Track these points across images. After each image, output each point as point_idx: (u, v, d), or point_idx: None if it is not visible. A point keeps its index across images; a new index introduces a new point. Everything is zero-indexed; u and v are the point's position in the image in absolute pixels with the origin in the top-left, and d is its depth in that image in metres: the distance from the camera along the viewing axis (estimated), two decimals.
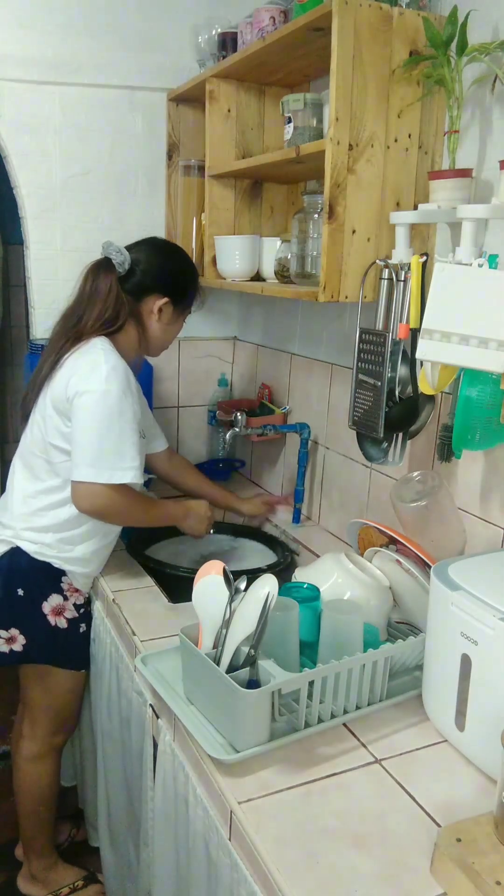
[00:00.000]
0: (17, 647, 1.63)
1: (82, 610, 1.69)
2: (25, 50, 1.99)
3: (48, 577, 1.63)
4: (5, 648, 1.63)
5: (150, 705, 1.35)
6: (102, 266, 1.59)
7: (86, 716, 1.85)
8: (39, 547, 1.60)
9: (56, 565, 1.62)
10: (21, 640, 1.63)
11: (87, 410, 1.49)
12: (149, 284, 1.62)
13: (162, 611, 1.55)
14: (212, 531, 1.88)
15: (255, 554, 1.98)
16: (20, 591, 1.61)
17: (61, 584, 1.64)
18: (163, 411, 2.42)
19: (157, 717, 1.31)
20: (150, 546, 1.94)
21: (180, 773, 1.20)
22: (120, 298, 1.59)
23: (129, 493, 1.55)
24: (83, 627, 1.69)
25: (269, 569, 1.79)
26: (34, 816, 1.82)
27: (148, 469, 2.37)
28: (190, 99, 2.13)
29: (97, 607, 1.70)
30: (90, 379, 1.49)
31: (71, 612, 1.66)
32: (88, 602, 1.71)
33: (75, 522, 1.60)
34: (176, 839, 1.24)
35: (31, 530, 1.60)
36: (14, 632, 1.62)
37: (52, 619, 1.64)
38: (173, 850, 1.26)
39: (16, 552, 1.61)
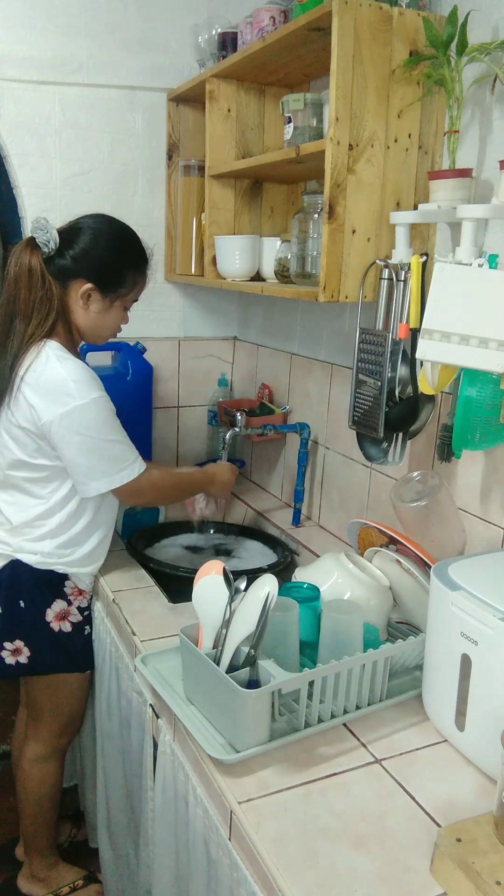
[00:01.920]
0: (23, 658, 1.62)
1: (86, 612, 1.68)
2: (25, 50, 1.99)
3: (51, 585, 1.62)
4: (11, 661, 1.61)
5: (150, 705, 1.35)
6: (27, 245, 1.50)
7: (87, 715, 1.85)
8: (40, 556, 1.59)
9: (59, 571, 1.61)
10: (26, 651, 1.61)
11: (73, 432, 1.45)
12: (71, 267, 1.50)
13: (162, 611, 1.55)
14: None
15: (255, 554, 1.98)
16: (21, 603, 1.60)
17: (64, 589, 1.63)
18: (163, 411, 2.42)
19: (157, 717, 1.31)
20: (151, 546, 1.94)
21: (180, 773, 1.20)
22: (46, 280, 1.48)
23: (152, 476, 1.57)
24: (87, 629, 1.69)
25: (270, 569, 1.79)
26: (37, 817, 1.82)
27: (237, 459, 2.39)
28: (190, 99, 2.13)
29: (97, 607, 1.69)
30: (62, 400, 1.44)
31: (75, 616, 1.65)
32: (91, 603, 1.71)
33: (70, 524, 1.59)
34: (176, 839, 1.24)
35: (29, 541, 1.58)
36: (19, 643, 1.61)
37: (56, 625, 1.63)
38: (173, 850, 1.26)
39: (16, 565, 1.59)
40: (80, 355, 1.58)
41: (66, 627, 1.64)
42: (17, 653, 1.62)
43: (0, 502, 1.61)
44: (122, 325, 1.64)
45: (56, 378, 1.45)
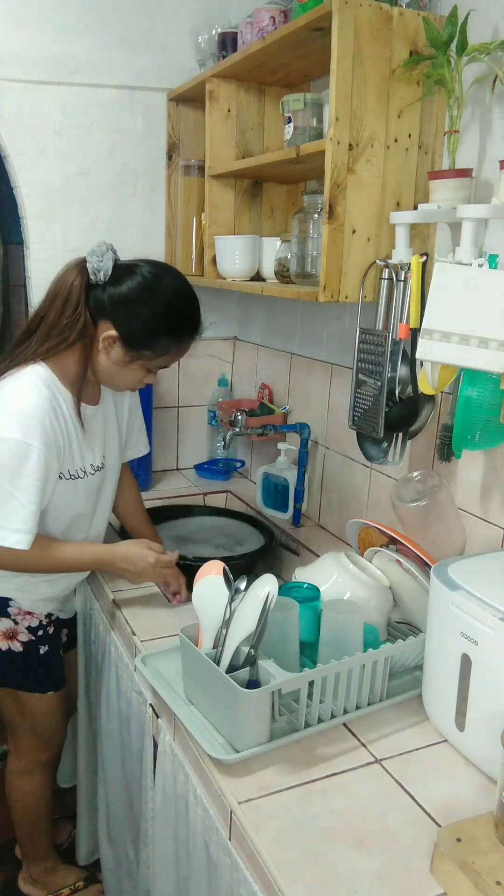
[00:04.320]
0: None
1: (40, 632, 1.61)
2: (25, 50, 1.99)
3: None
4: None
5: (150, 705, 1.35)
6: (78, 264, 1.40)
7: (84, 718, 1.85)
8: None
9: None
10: None
11: None
12: (106, 306, 1.38)
13: (162, 611, 1.55)
14: (171, 574, 1.57)
15: (244, 535, 1.99)
16: None
17: (8, 609, 1.56)
18: (163, 411, 2.42)
19: (157, 717, 1.31)
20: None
21: (180, 773, 1.20)
22: (79, 306, 1.38)
23: (26, 556, 1.38)
24: (43, 649, 1.62)
25: (258, 553, 1.81)
26: (28, 826, 1.82)
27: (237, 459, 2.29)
28: (190, 99, 2.13)
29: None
30: None
31: (25, 636, 1.59)
32: (53, 622, 1.65)
33: None
34: (176, 839, 1.24)
35: None
36: None
37: (3, 644, 1.57)
38: (173, 850, 1.26)
39: None
40: (79, 390, 1.44)
41: (16, 647, 1.59)
42: None
43: None
44: (146, 383, 1.51)
45: (9, 397, 1.36)
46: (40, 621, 1.61)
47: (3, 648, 1.58)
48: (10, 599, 1.56)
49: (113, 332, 1.39)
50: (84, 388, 1.46)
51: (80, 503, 1.53)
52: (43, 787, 1.79)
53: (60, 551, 1.47)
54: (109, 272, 1.37)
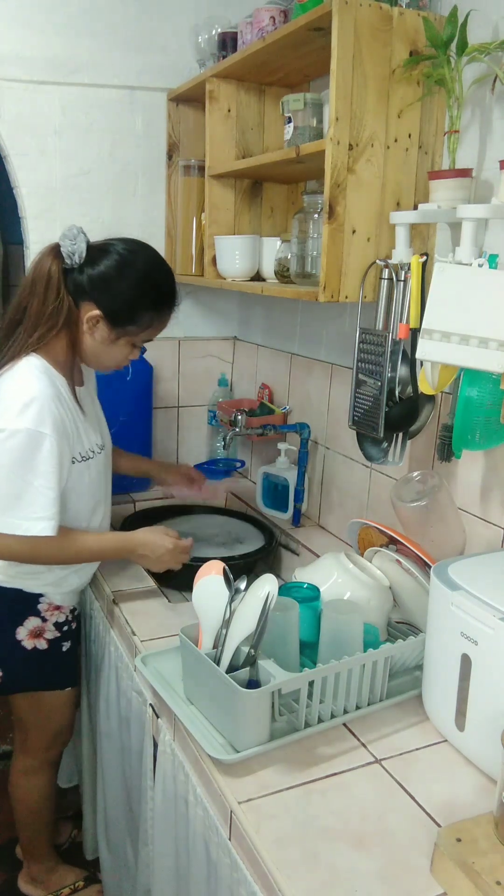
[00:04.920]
0: None
1: (65, 628, 1.61)
2: (25, 50, 1.99)
3: (22, 602, 1.55)
4: None
5: (150, 705, 1.35)
6: (51, 251, 1.41)
7: (85, 717, 1.85)
8: (5, 577, 1.52)
9: (28, 590, 1.54)
10: None
11: None
12: (86, 288, 1.40)
13: (162, 611, 1.55)
14: (187, 560, 1.61)
15: (244, 535, 2.00)
16: None
17: (38, 606, 1.56)
18: (163, 411, 2.42)
19: (157, 717, 1.31)
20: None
21: (180, 773, 1.20)
22: (60, 291, 1.39)
23: (47, 540, 1.39)
24: (66, 646, 1.63)
25: (258, 553, 1.81)
26: (32, 825, 1.82)
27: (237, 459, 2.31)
28: (190, 99, 2.13)
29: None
30: (3, 415, 1.34)
31: (52, 633, 1.59)
32: (75, 617, 1.65)
33: None
34: (176, 839, 1.24)
35: None
36: None
37: (29, 644, 1.57)
38: (173, 849, 1.26)
39: None
40: (71, 374, 1.48)
41: (42, 645, 1.58)
42: None
43: None
44: (132, 359, 1.54)
45: (15, 390, 1.37)
46: (66, 616, 1.62)
47: (29, 647, 1.57)
48: (41, 595, 1.57)
49: (96, 312, 1.41)
50: (73, 371, 1.50)
51: (95, 485, 1.56)
52: (47, 785, 1.80)
53: (83, 540, 1.50)
54: (84, 254, 1.39)
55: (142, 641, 1.42)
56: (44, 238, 2.13)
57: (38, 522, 1.36)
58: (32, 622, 1.57)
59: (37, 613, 1.57)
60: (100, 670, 1.66)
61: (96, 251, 1.42)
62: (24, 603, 1.56)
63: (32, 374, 1.39)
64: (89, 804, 1.90)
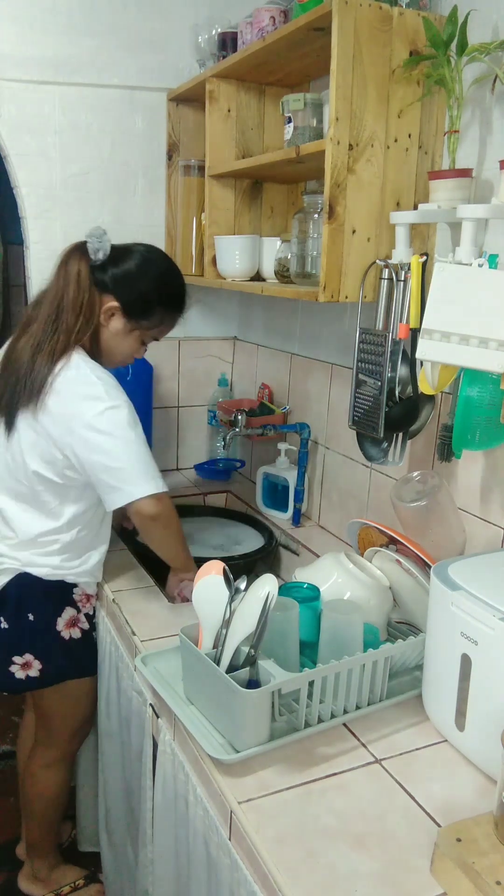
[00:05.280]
0: (34, 672, 1.60)
1: (94, 619, 1.67)
2: (25, 50, 1.99)
3: (61, 593, 1.61)
4: (21, 675, 1.60)
5: (150, 705, 1.35)
6: (77, 249, 1.53)
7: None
8: (49, 569, 1.57)
9: (70, 580, 1.60)
10: (37, 664, 1.60)
11: (106, 434, 1.42)
12: (108, 284, 1.51)
13: (162, 611, 1.55)
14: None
15: (243, 537, 2.00)
16: (31, 616, 1.58)
17: (73, 596, 1.62)
18: (163, 411, 2.42)
19: (157, 717, 1.31)
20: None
21: (180, 773, 1.20)
22: (91, 287, 1.50)
23: (165, 497, 1.50)
24: (95, 635, 1.68)
25: (258, 553, 1.82)
26: (43, 821, 1.82)
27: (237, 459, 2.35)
28: (190, 99, 2.13)
29: (97, 607, 1.69)
30: (91, 404, 1.43)
31: (84, 623, 1.64)
32: (95, 608, 1.70)
33: (79, 542, 1.58)
34: (176, 839, 1.24)
35: (38, 555, 1.56)
36: (28, 657, 1.60)
37: (66, 634, 1.62)
38: (173, 849, 1.26)
39: (23, 577, 1.57)
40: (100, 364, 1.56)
41: (76, 634, 1.63)
42: (26, 667, 1.60)
43: (12, 514, 1.57)
44: (137, 357, 1.63)
45: (87, 381, 1.45)
46: (94, 606, 1.67)
47: (66, 638, 1.62)
48: (75, 585, 1.61)
49: (114, 303, 1.51)
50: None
51: None
52: (66, 778, 1.81)
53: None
54: (108, 251, 1.51)
55: (142, 641, 1.42)
56: (44, 238, 2.13)
57: (159, 479, 1.49)
58: (69, 612, 1.62)
59: (72, 604, 1.63)
60: (100, 670, 1.66)
61: (120, 250, 1.53)
62: (63, 594, 1.61)
63: (89, 363, 1.48)
64: (84, 802, 1.90)
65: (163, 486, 1.48)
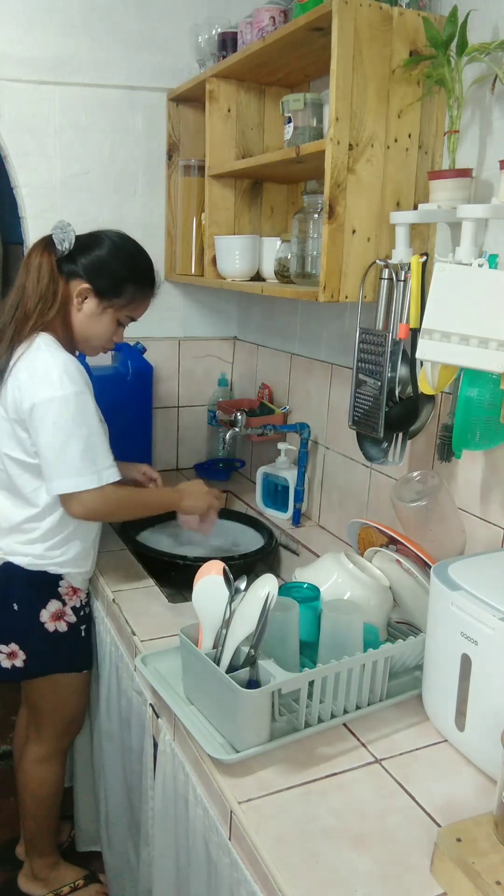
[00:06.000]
0: (19, 662, 1.61)
1: (81, 613, 1.66)
2: (25, 50, 1.99)
3: (45, 585, 1.60)
4: (7, 664, 1.61)
5: (151, 705, 1.35)
6: (40, 243, 1.55)
7: (87, 715, 1.85)
8: (31, 559, 1.58)
9: (52, 571, 1.60)
10: (21, 654, 1.61)
11: (49, 421, 1.44)
12: (77, 267, 1.53)
13: (162, 611, 1.55)
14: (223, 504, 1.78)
15: (243, 537, 2.00)
16: (15, 606, 1.59)
17: (59, 589, 1.62)
18: (163, 411, 2.42)
19: (157, 717, 1.31)
20: (142, 532, 1.95)
21: (180, 773, 1.20)
22: (53, 276, 1.52)
23: (117, 490, 1.51)
24: (84, 629, 1.67)
25: (258, 553, 1.82)
26: (39, 818, 1.82)
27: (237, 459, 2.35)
28: (190, 99, 2.13)
29: (97, 607, 1.69)
30: (43, 387, 1.44)
31: (70, 616, 1.64)
32: (88, 602, 1.70)
33: (59, 529, 1.57)
34: (176, 839, 1.24)
35: (20, 544, 1.58)
36: (14, 647, 1.61)
37: (51, 626, 1.62)
38: (173, 849, 1.26)
39: (6, 567, 1.58)
40: (72, 350, 1.58)
41: (62, 627, 1.63)
42: (12, 656, 1.61)
43: None
44: (115, 341, 1.64)
45: (45, 364, 1.46)
46: (82, 601, 1.67)
47: (51, 630, 1.62)
48: (61, 577, 1.62)
49: (86, 285, 1.53)
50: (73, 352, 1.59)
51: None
52: (58, 775, 1.81)
53: (138, 493, 1.66)
54: (73, 240, 1.53)
55: (142, 641, 1.42)
56: None
57: (107, 470, 1.49)
58: (54, 605, 1.62)
59: (57, 596, 1.62)
60: (100, 670, 1.66)
61: (88, 238, 1.57)
62: (47, 585, 1.61)
63: (51, 347, 1.49)
64: (82, 802, 1.91)
65: (106, 477, 1.47)
